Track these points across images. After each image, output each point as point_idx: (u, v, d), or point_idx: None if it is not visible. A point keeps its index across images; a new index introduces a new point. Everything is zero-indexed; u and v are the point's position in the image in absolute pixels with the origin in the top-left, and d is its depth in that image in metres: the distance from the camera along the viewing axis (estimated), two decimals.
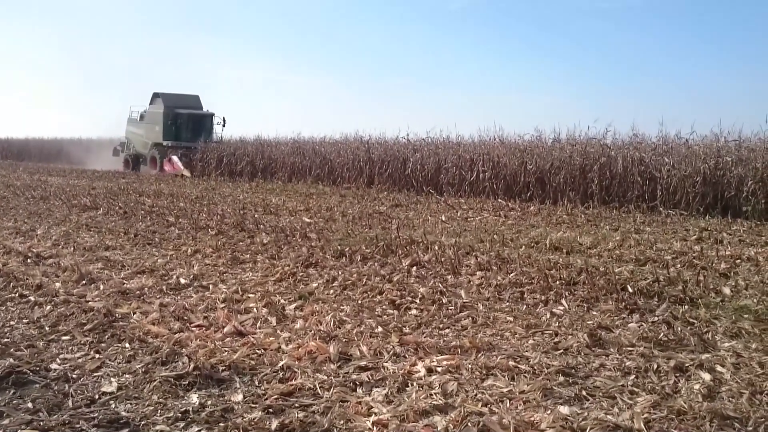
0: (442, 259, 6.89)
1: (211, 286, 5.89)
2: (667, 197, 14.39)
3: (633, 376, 3.73)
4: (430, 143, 20.86)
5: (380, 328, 4.58)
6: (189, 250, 7.55)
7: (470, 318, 4.90)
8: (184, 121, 29.35)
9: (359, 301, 5.36)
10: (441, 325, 4.77)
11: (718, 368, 3.84)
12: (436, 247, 7.54)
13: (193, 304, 5.22)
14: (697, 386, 3.54)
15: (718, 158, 14.35)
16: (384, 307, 5.25)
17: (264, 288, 5.79)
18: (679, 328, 4.60)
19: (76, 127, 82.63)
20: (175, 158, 27.85)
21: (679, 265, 7.07)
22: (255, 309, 5.09)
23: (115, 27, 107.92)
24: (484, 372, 3.74)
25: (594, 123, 25.41)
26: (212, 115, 30.19)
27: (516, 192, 16.93)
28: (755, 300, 5.51)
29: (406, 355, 4.04)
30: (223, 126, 30.05)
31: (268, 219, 10.90)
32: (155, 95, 30.37)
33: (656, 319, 4.90)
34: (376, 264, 6.81)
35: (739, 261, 7.47)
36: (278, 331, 4.50)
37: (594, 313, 5.09)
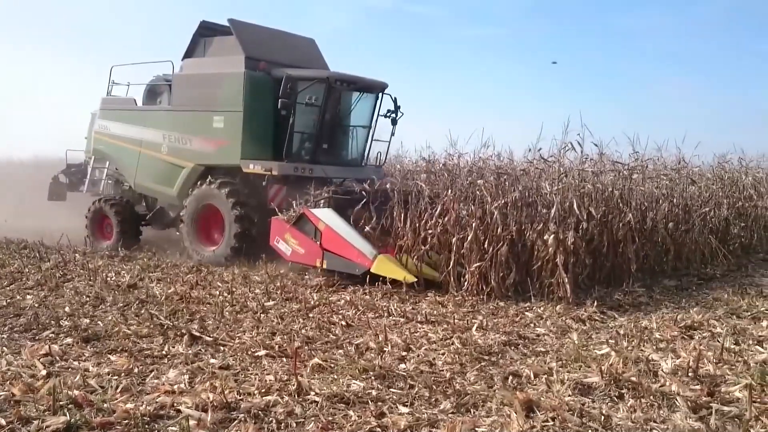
0: None
1: None
2: None
3: None
4: None
5: None
6: None
7: None
8: (329, 101, 12.00)
9: None
10: None
11: None
12: None
13: None
14: None
15: None
16: None
17: None
18: None
19: None
20: (335, 224, 9.73)
21: None
22: None
23: None
24: None
25: None
26: (384, 87, 12.73)
27: None
28: None
29: None
30: (395, 122, 12.90)
31: None
32: (206, 27, 12.80)
33: None
34: None
35: None
36: None
37: None
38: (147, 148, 13.34)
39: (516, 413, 4.39)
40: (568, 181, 9.28)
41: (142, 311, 7.47)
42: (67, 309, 7.50)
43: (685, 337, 6.66)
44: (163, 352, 5.87)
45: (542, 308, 7.92)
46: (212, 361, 5.64)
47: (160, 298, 8.30)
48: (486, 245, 8.65)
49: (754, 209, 13.99)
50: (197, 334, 6.37)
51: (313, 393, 4.76)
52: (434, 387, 5.01)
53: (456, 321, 7.26)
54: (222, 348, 6.07)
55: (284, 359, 5.71)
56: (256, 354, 5.85)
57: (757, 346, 6.24)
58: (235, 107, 11.75)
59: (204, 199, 12.07)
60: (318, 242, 9.70)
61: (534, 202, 9.31)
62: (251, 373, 5.31)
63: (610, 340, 6.50)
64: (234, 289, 8.90)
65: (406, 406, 4.62)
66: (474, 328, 6.91)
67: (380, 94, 12.76)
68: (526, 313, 7.78)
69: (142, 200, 14.34)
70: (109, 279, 9.57)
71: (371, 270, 9.07)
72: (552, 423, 4.31)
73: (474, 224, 8.70)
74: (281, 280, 9.59)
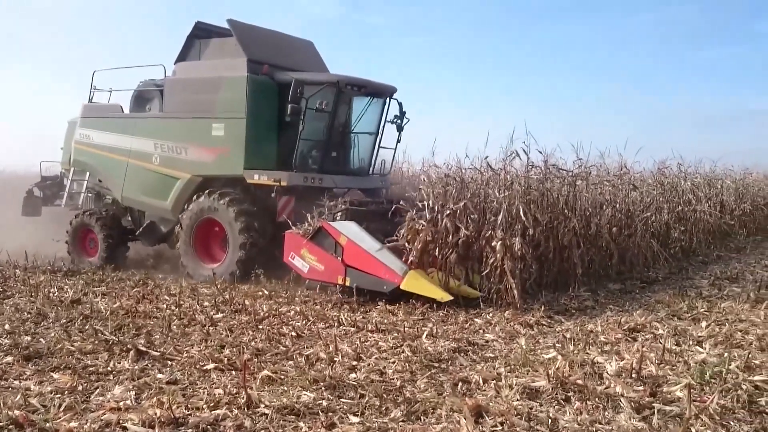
0: None
1: None
2: None
3: None
4: None
5: None
6: None
7: None
8: (338, 106, 11.48)
9: None
10: None
11: None
12: None
13: None
14: None
15: None
16: None
17: None
18: None
19: None
20: (358, 238, 9.14)
21: None
22: None
23: None
24: None
25: None
26: (394, 92, 12.22)
27: None
28: None
29: None
30: (401, 128, 12.48)
31: None
32: (201, 29, 12.12)
33: None
34: None
35: None
36: None
37: None
38: (136, 159, 12.40)
39: (465, 419, 4.44)
40: (514, 188, 9.42)
41: (87, 327, 7.28)
42: (6, 326, 7.25)
43: (629, 339, 6.83)
44: (109, 369, 5.73)
45: (491, 314, 8.02)
46: (159, 376, 5.54)
47: (105, 313, 8.09)
48: (437, 252, 8.73)
49: (693, 213, 14.47)
50: (144, 348, 6.24)
51: (263, 405, 4.73)
52: (385, 395, 5.02)
53: (406, 329, 7.29)
54: (169, 362, 5.96)
55: (233, 372, 5.64)
56: (205, 368, 5.77)
57: (697, 347, 6.44)
58: (236, 113, 11.05)
59: (203, 213, 11.24)
60: (339, 258, 9.02)
61: (483, 209, 9.42)
62: (200, 387, 5.24)
63: (557, 344, 6.63)
64: (182, 303, 8.74)
65: (357, 415, 4.63)
66: (424, 336, 6.96)
67: (388, 99, 12.19)
68: (476, 319, 7.87)
69: (127, 214, 13.40)
70: (51, 295, 9.30)
71: (401, 287, 8.52)
72: (501, 428, 4.38)
73: (423, 232, 8.78)
74: (230, 293, 9.47)
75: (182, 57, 12.11)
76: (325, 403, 4.85)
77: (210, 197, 11.14)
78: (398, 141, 12.56)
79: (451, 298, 8.31)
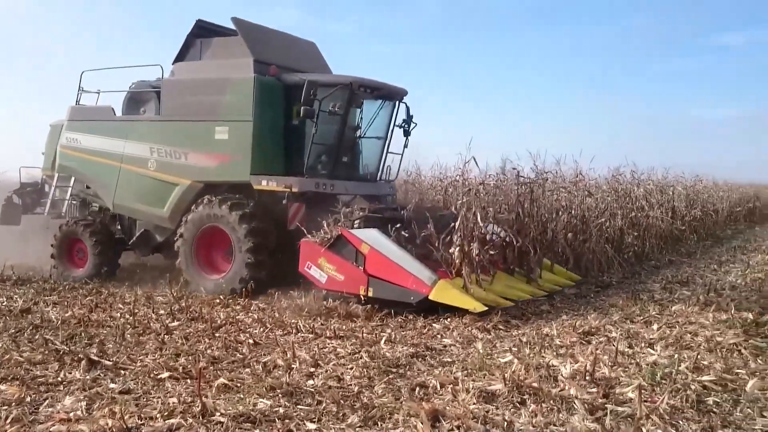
0: None
1: None
2: None
3: None
4: None
5: None
6: None
7: None
8: (349, 109, 11.07)
9: None
10: None
11: None
12: None
13: None
14: None
15: None
16: None
17: None
18: None
19: None
20: (382, 246, 8.70)
21: None
22: None
23: None
24: None
25: None
26: (405, 94, 11.89)
27: None
28: None
29: None
30: (409, 133, 12.17)
31: None
32: (202, 27, 11.67)
33: None
34: None
35: None
36: None
37: None
38: (130, 164, 11.69)
39: (422, 424, 4.45)
40: (473, 195, 9.52)
41: (36, 337, 7.10)
42: None
43: (584, 342, 6.94)
44: (59, 379, 5.59)
45: (449, 319, 8.07)
46: (112, 386, 5.42)
47: (56, 322, 7.90)
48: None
49: (645, 219, 14.81)
50: (96, 358, 6.10)
51: (218, 414, 4.67)
52: (342, 401, 5.00)
53: (365, 335, 7.29)
54: (123, 372, 5.85)
55: (189, 381, 5.56)
56: (159, 377, 5.67)
57: (649, 349, 6.58)
58: (243, 116, 10.50)
59: (206, 221, 10.54)
60: (361, 267, 8.58)
61: (442, 215, 9.49)
62: (153, 397, 5.15)
63: (513, 348, 6.70)
64: (136, 311, 8.59)
65: (314, 422, 4.60)
66: (382, 342, 6.97)
67: (398, 102, 11.77)
68: (434, 324, 7.90)
69: (116, 222, 12.53)
70: (0, 305, 9.05)
71: (430, 298, 8.13)
72: (457, 431, 4.40)
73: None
74: (186, 300, 9.34)
75: (181, 57, 11.55)
76: (281, 410, 4.81)
77: (213, 204, 10.49)
78: (405, 146, 12.11)
79: (486, 308, 7.99)
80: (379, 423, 4.62)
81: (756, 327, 7.39)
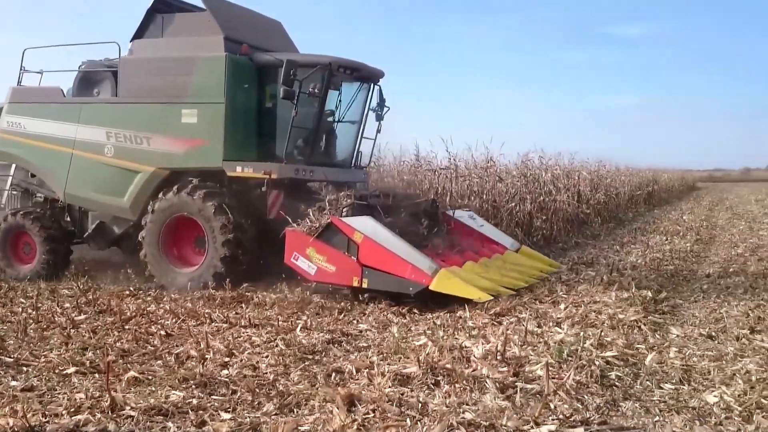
0: None
1: None
2: None
3: None
4: None
5: None
6: None
7: None
8: (327, 92, 10.53)
9: None
10: None
11: None
12: None
13: None
14: None
15: None
16: None
17: None
18: None
19: None
20: (378, 234, 8.37)
21: None
22: None
23: None
24: None
25: None
26: (382, 76, 11.40)
27: None
28: None
29: None
30: (382, 117, 11.61)
31: None
32: (163, 2, 10.96)
33: None
34: None
35: None
36: None
37: None
38: (83, 150, 10.79)
39: (338, 408, 4.48)
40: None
41: None
42: None
43: (495, 323, 7.12)
44: None
45: (365, 305, 8.13)
46: (13, 383, 5.18)
47: None
48: None
49: (553, 203, 15.34)
50: None
51: (128, 408, 4.54)
52: (257, 390, 4.97)
53: (280, 323, 7.25)
54: (25, 369, 5.60)
55: (97, 375, 5.39)
56: (65, 372, 5.47)
57: (556, 327, 6.83)
58: (213, 98, 9.81)
59: (175, 211, 9.87)
60: (354, 257, 8.16)
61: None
62: (59, 393, 4.96)
63: (427, 331, 6.82)
64: (40, 305, 8.22)
65: (229, 412, 4.55)
66: (298, 329, 6.94)
67: (372, 85, 11.19)
68: (350, 310, 7.95)
69: (65, 214, 11.53)
70: None
71: (431, 288, 7.78)
72: (372, 415, 4.45)
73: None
74: (94, 293, 9.01)
75: (140, 34, 10.66)
76: (195, 401, 4.73)
77: (183, 192, 9.77)
78: (378, 131, 11.61)
79: (491, 297, 7.75)
80: (295, 410, 4.61)
81: (654, 304, 7.83)
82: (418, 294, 7.91)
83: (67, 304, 8.36)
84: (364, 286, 8.11)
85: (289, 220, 8.82)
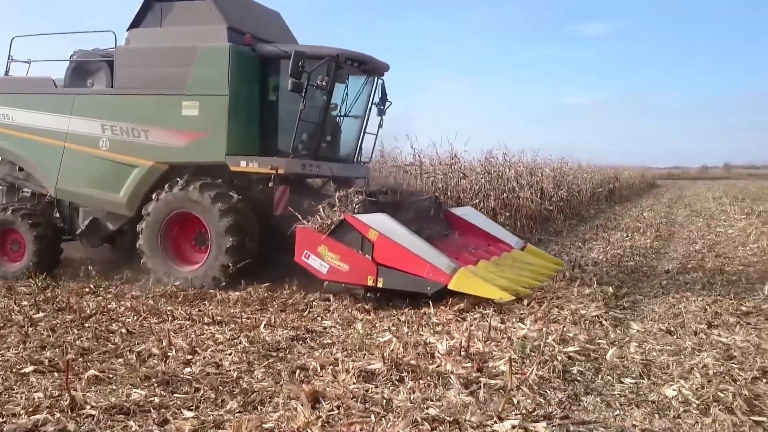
0: None
1: None
2: None
3: None
4: None
5: None
6: None
7: None
8: (334, 84, 10.26)
9: None
10: None
11: None
12: None
13: None
14: None
15: None
16: None
17: None
18: None
19: None
20: (394, 232, 8.07)
21: None
22: None
23: None
24: None
25: None
26: (387, 70, 11.14)
27: None
28: None
29: None
30: (384, 112, 11.48)
31: None
32: None
33: None
34: None
35: None
36: None
37: None
38: (76, 143, 10.37)
39: (302, 405, 4.47)
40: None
41: None
42: None
43: (459, 319, 7.17)
44: None
45: (330, 301, 8.11)
46: None
47: None
48: None
49: (516, 200, 15.52)
50: None
51: (89, 407, 4.47)
52: (221, 388, 4.93)
53: (244, 320, 7.20)
54: None
55: (56, 374, 5.29)
56: (23, 371, 5.36)
57: (519, 323, 6.89)
58: (216, 90, 9.49)
59: (175, 207, 9.51)
60: (368, 256, 7.84)
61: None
62: (17, 393, 4.86)
63: (392, 327, 6.84)
64: None
65: (191, 410, 4.51)
66: (262, 326, 6.90)
67: (377, 78, 10.91)
68: (315, 307, 7.93)
69: (54, 210, 11.10)
70: None
71: (449, 287, 7.52)
72: (337, 411, 4.45)
73: None
74: (52, 290, 8.83)
75: (137, 23, 10.29)
76: (157, 399, 4.68)
77: (185, 188, 9.45)
78: (380, 126, 11.35)
79: (512, 297, 7.51)
80: (258, 407, 4.59)
81: (615, 299, 7.96)
82: (435, 293, 7.63)
83: (25, 302, 8.19)
84: (380, 285, 7.80)
85: (299, 216, 8.52)
